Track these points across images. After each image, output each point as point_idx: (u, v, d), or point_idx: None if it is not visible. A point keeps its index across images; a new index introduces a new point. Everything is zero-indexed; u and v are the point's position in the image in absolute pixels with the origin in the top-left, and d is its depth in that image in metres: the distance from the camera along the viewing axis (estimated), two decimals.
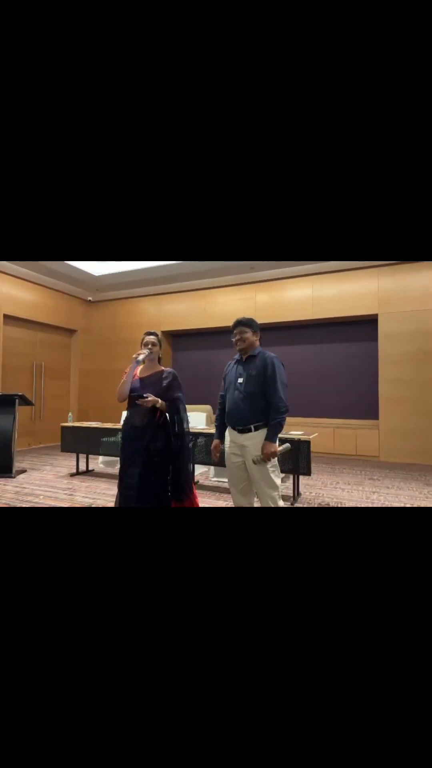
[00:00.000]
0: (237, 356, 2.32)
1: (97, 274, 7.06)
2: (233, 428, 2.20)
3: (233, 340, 2.25)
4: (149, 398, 2.05)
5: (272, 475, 2.09)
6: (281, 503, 2.12)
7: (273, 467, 2.11)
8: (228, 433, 2.25)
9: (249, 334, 2.22)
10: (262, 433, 2.10)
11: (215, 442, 2.32)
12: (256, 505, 2.33)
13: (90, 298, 8.38)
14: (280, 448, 2.14)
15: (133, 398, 2.11)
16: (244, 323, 2.24)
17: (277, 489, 2.10)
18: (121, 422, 5.14)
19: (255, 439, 2.10)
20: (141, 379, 2.19)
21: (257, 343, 2.26)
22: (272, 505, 2.08)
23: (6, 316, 6.55)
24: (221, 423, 2.32)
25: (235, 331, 2.25)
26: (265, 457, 2.05)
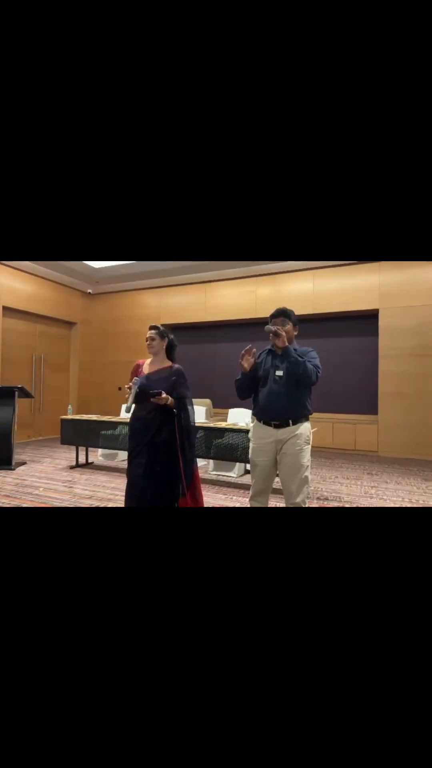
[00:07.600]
0: (269, 347, 2.14)
1: (96, 266, 7.03)
2: (267, 423, 2.05)
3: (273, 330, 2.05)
4: (162, 395, 2.05)
5: (306, 472, 2.00)
6: (306, 500, 2.02)
7: (307, 462, 2.02)
8: (258, 429, 2.11)
9: (290, 326, 2.07)
10: (298, 427, 1.98)
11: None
12: (271, 501, 2.26)
13: (90, 291, 8.34)
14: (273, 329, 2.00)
15: (142, 393, 2.10)
16: (287, 314, 2.07)
17: (307, 483, 2.01)
18: (121, 415, 5.19)
19: (292, 433, 1.97)
20: (148, 376, 2.18)
21: (294, 336, 2.12)
22: (298, 501, 1.98)
23: (5, 308, 6.53)
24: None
25: (275, 321, 2.07)
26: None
